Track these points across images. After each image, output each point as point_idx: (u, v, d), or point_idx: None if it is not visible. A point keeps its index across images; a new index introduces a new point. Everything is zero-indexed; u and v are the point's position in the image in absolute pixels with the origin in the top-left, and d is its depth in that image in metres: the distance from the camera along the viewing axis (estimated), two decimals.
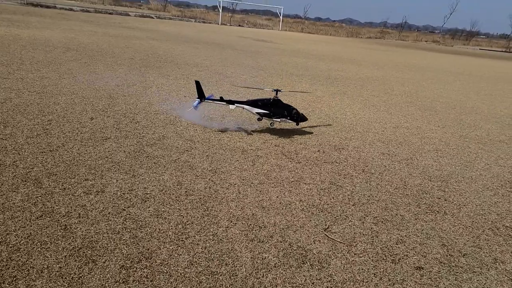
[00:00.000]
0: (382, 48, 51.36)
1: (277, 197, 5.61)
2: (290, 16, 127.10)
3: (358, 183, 6.39)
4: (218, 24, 71.51)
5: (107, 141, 7.04)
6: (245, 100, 8.51)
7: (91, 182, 5.43)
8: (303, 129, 8.92)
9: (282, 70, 18.53)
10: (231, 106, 8.04)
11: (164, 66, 15.58)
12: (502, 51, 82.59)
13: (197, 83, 7.96)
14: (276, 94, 8.15)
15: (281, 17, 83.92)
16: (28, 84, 10.26)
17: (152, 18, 62.80)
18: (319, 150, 7.73)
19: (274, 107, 8.08)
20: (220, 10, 78.98)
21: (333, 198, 5.76)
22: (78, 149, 6.53)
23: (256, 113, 8.12)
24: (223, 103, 8.08)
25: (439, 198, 6.14)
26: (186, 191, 5.48)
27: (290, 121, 8.24)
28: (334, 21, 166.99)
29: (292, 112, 8.17)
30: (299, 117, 8.27)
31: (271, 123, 8.32)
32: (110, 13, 59.32)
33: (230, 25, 73.38)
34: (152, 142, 7.24)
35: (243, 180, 6.05)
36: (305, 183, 6.17)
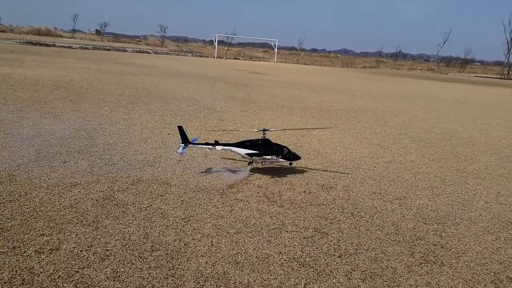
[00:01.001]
0: (376, 77, 51.78)
1: (254, 249, 5.05)
2: (286, 48, 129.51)
3: (345, 229, 5.83)
4: (214, 57, 72.60)
5: (75, 187, 6.55)
6: (232, 142, 8.04)
7: (46, 238, 4.89)
8: (291, 167, 8.42)
9: (273, 102, 18.26)
10: (218, 147, 7.58)
11: (152, 102, 15.28)
12: (497, 78, 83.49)
13: (180, 128, 7.57)
14: (264, 133, 7.73)
15: (276, 49, 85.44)
16: (5, 126, 9.87)
17: (149, 53, 63.79)
18: (305, 191, 7.21)
19: (263, 147, 7.61)
20: (216, 44, 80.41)
21: (316, 248, 5.20)
22: (42, 198, 6.03)
23: (245, 154, 7.59)
24: (209, 146, 7.62)
25: (435, 245, 5.56)
26: (152, 245, 4.93)
27: (282, 160, 7.77)
28: (329, 51, 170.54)
29: (283, 151, 7.71)
30: (291, 156, 7.81)
31: (262, 161, 7.82)
32: (107, 49, 60.39)
33: (226, 58, 74.50)
34: (125, 187, 6.74)
35: (218, 229, 5.50)
36: (287, 231, 5.61)
